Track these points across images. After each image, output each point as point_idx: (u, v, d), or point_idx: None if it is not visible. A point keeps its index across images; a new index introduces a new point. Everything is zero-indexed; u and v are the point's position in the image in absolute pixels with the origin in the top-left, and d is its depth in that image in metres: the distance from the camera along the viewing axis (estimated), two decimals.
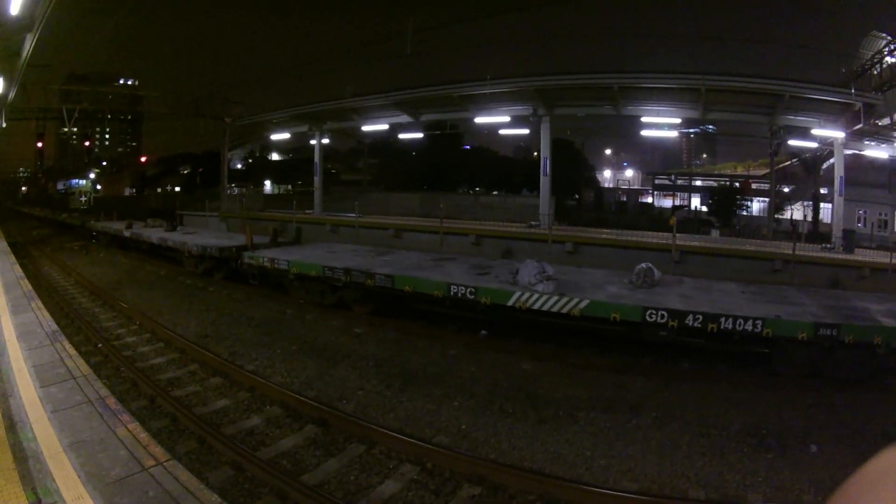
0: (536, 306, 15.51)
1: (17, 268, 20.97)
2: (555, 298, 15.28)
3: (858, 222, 46.57)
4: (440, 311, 19.56)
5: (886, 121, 26.11)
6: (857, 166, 37.96)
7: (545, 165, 31.08)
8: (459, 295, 16.89)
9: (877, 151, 29.19)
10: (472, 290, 16.63)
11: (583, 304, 14.90)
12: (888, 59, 26.63)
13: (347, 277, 19.47)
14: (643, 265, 17.81)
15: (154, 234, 34.19)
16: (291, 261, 21.62)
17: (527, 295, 15.67)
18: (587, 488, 8.76)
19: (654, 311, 14.18)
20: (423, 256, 23.77)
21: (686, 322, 13.93)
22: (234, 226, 38.01)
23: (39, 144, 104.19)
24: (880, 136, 26.87)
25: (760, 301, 15.80)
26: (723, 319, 13.71)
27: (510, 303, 15.94)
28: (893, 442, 0.94)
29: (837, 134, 25.93)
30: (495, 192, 67.18)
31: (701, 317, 13.85)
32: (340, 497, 8.46)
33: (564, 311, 15.15)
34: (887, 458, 0.91)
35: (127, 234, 37.18)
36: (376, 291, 19.22)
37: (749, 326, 13.62)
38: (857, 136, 26.31)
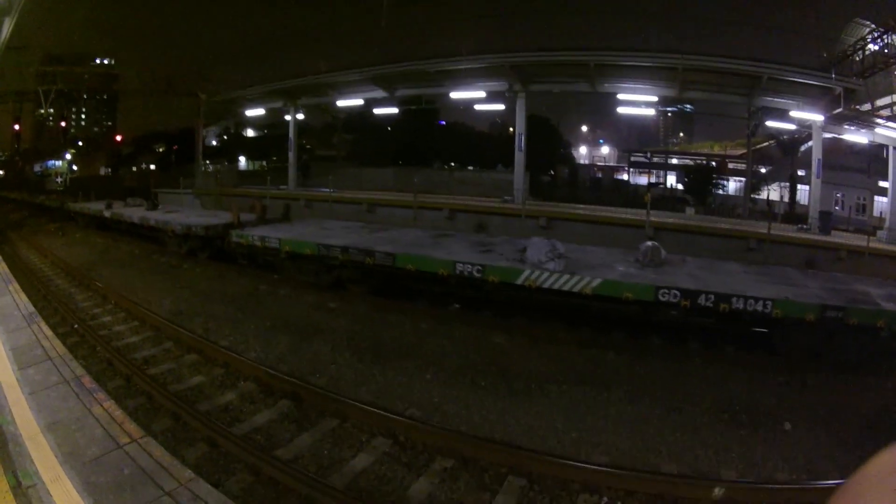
0: (547, 285, 15.30)
1: None
2: (566, 277, 15.10)
3: (836, 205, 46.94)
4: (441, 291, 19.22)
5: (867, 106, 26.29)
6: (836, 150, 38.24)
7: (520, 141, 31.21)
8: (466, 273, 16.43)
9: (856, 136, 29.37)
10: (480, 268, 16.20)
11: (595, 283, 14.75)
12: (871, 47, 26.73)
13: (345, 256, 18.86)
14: (649, 244, 17.72)
15: (135, 213, 33.03)
16: (283, 239, 20.82)
17: (537, 273, 15.44)
18: (558, 461, 8.87)
19: (666, 291, 14.16)
20: (422, 233, 23.26)
21: (698, 302, 13.97)
22: (209, 202, 37.82)
23: (16, 127, 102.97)
24: (860, 121, 27.04)
25: (766, 282, 15.86)
26: (734, 299, 13.82)
27: (519, 281, 15.65)
28: (893, 442, 0.95)
29: (816, 117, 26.19)
30: (470, 168, 67.01)
31: (713, 296, 13.93)
32: (314, 471, 8.58)
33: (576, 289, 14.98)
34: (887, 458, 0.93)
35: (107, 214, 36.01)
36: (376, 270, 18.70)
37: (759, 307, 13.74)
38: (836, 121, 26.50)
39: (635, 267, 16.82)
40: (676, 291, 14.06)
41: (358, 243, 19.48)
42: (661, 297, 14.16)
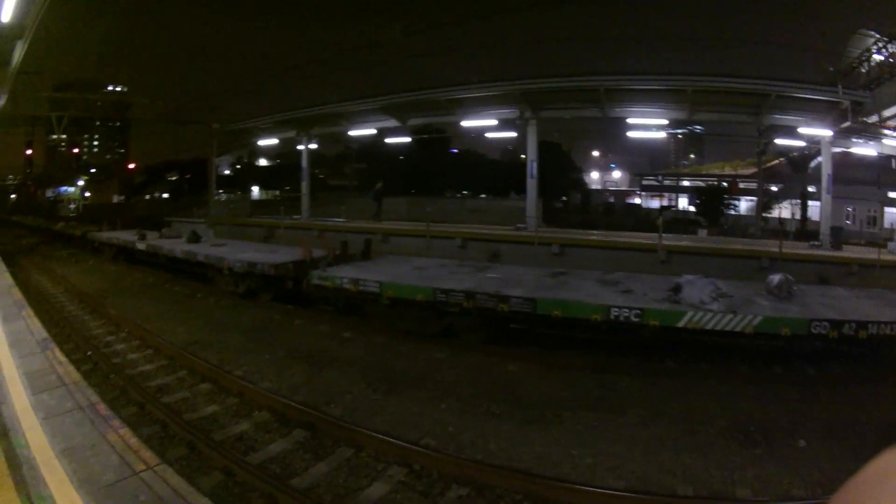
0: (709, 326, 14.38)
1: (8, 276, 20.91)
2: (728, 317, 14.30)
3: (847, 219, 46.86)
4: (586, 338, 16.89)
5: (875, 118, 26.23)
6: (846, 164, 38.08)
7: (532, 168, 31.15)
8: (622, 318, 14.80)
9: (865, 149, 29.29)
10: (638, 311, 14.73)
11: (756, 321, 14.13)
12: (876, 57, 26.67)
13: (470, 303, 16.53)
14: (780, 276, 16.97)
15: (176, 246, 30.23)
16: (385, 283, 18.25)
17: (699, 315, 14.50)
18: (574, 486, 8.83)
19: (818, 323, 13.84)
20: (533, 270, 21.26)
21: (843, 331, 13.72)
22: (222, 232, 37.77)
23: (29, 152, 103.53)
24: (868, 133, 26.97)
25: (880, 304, 15.79)
26: (870, 325, 13.68)
27: (681, 324, 14.57)
28: (893, 443, 0.94)
29: (825, 132, 26.03)
30: (483, 196, 67.15)
31: (854, 325, 13.72)
32: (329, 500, 8.56)
33: (738, 329, 14.25)
34: (887, 459, 0.92)
35: (141, 246, 33.07)
36: (508, 318, 16.61)
37: (888, 331, 13.67)
38: (844, 134, 26.39)
39: (770, 300, 16.15)
40: (826, 323, 13.80)
41: (478, 287, 17.42)
42: (813, 330, 13.85)
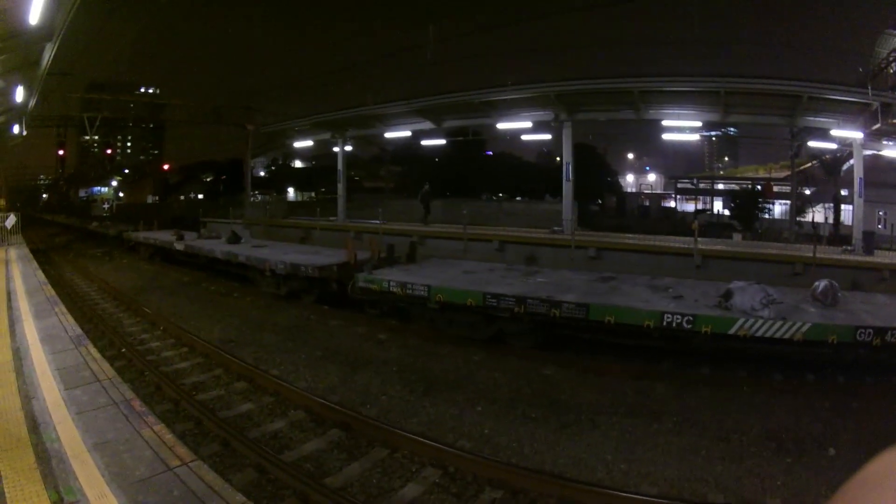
0: (759, 333, 14.10)
1: (40, 273, 21.07)
2: (779, 324, 14.07)
3: (879, 223, 46.27)
4: (636, 344, 16.29)
5: None
6: (877, 167, 37.64)
7: (567, 171, 31.02)
8: (675, 325, 14.52)
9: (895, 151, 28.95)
10: (690, 318, 14.41)
11: (805, 328, 13.83)
12: None
13: (520, 308, 16.16)
14: (825, 282, 16.58)
15: (216, 247, 29.95)
16: (435, 287, 17.78)
17: (751, 322, 14.22)
18: (607, 491, 8.76)
19: (863, 330, 13.56)
20: (581, 275, 20.82)
21: (886, 338, 13.46)
22: (258, 233, 37.89)
23: (60, 152, 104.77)
24: None
25: None
26: None
27: (732, 331, 14.29)
28: (894, 444, 0.95)
29: (856, 134, 25.65)
30: (518, 198, 67.15)
31: None
32: (363, 500, 8.50)
33: (787, 336, 13.97)
34: (887, 459, 0.93)
35: (179, 247, 33.08)
36: (560, 323, 16.10)
37: None
38: (875, 137, 25.98)
39: (816, 307, 15.79)
40: (870, 330, 13.52)
41: (528, 292, 16.89)
42: (858, 337, 13.55)
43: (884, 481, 0.88)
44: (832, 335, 13.61)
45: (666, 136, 36.13)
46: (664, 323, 14.49)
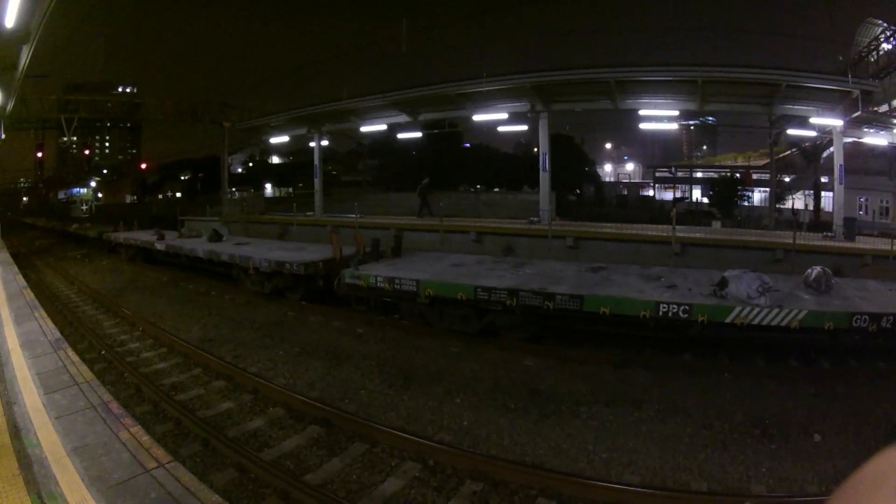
0: (756, 321, 14.19)
1: (20, 278, 20.96)
2: (775, 311, 14.15)
3: (860, 210, 46.43)
4: (630, 334, 16.33)
5: (885, 108, 26.03)
6: (857, 154, 37.88)
7: (544, 161, 31.07)
8: (671, 314, 14.65)
9: (876, 139, 29.04)
10: (686, 307, 14.55)
11: (801, 315, 13.96)
12: (885, 46, 26.52)
13: (513, 300, 16.15)
14: (818, 269, 16.76)
15: (198, 246, 29.67)
16: (423, 281, 17.74)
17: (747, 310, 14.30)
18: (589, 482, 8.79)
19: (859, 317, 13.72)
20: (572, 266, 20.88)
21: (881, 324, 13.61)
22: (236, 230, 37.79)
23: (39, 154, 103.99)
24: (879, 123, 26.76)
25: None
26: None
27: (729, 319, 14.37)
28: (893, 442, 0.95)
29: (836, 122, 25.77)
30: (496, 190, 67.10)
31: (892, 318, 13.62)
32: (343, 496, 8.54)
33: (783, 323, 14.06)
34: (887, 458, 0.93)
35: (160, 247, 32.70)
36: (553, 315, 16.10)
37: None
38: (855, 124, 26.17)
39: (811, 294, 15.95)
40: (866, 316, 13.66)
41: (518, 284, 17.05)
42: (854, 324, 13.70)
43: (882, 480, 0.89)
44: (828, 322, 13.76)
45: (644, 126, 36.17)
46: (660, 313, 14.60)
